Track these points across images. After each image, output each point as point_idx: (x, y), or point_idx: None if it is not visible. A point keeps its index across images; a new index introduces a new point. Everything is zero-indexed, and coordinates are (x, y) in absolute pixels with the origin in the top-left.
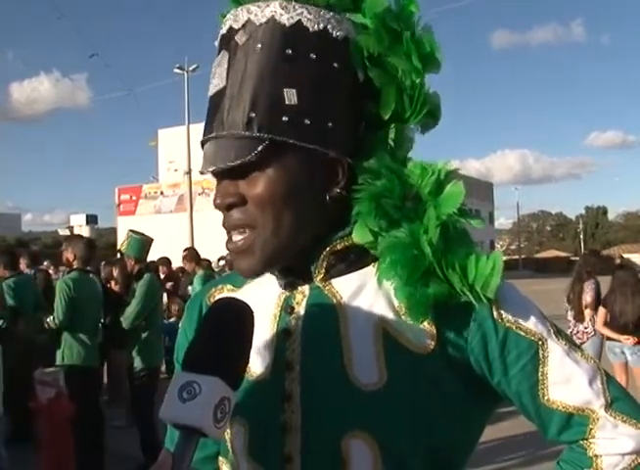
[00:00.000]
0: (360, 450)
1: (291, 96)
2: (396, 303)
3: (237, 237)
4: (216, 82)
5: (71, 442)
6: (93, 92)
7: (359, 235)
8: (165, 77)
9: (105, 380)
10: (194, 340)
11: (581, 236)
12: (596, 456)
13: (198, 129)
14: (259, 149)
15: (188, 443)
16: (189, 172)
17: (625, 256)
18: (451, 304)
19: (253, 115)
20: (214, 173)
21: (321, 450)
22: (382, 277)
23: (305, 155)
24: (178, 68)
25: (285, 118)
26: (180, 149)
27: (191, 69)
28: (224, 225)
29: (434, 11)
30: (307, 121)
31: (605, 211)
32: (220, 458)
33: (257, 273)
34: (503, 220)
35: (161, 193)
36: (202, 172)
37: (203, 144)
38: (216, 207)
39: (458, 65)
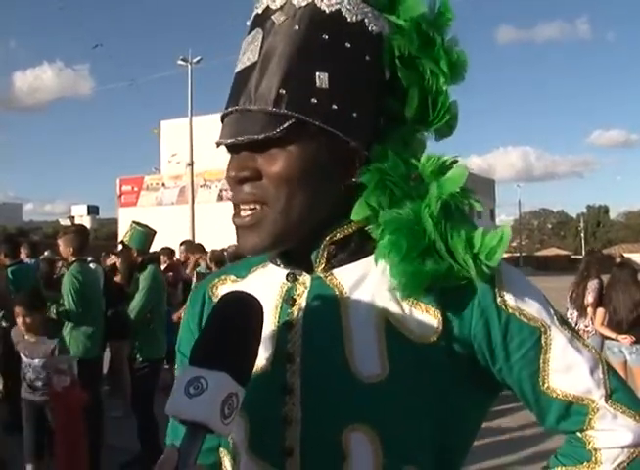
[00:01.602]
0: (361, 443)
1: (322, 80)
2: (399, 293)
3: (245, 212)
4: (247, 57)
5: (84, 430)
6: (96, 82)
7: (358, 212)
8: (169, 69)
9: (105, 371)
10: (201, 334)
11: (582, 234)
12: (595, 450)
13: (200, 121)
14: (285, 126)
15: (194, 438)
16: (191, 164)
17: (626, 255)
18: (453, 289)
19: (283, 92)
20: (232, 146)
21: (321, 443)
22: (379, 255)
23: (328, 140)
24: (182, 59)
25: (314, 100)
26: (182, 141)
27: (195, 60)
28: (232, 198)
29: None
30: (335, 107)
31: (606, 210)
32: (222, 450)
33: (261, 251)
34: (504, 217)
35: (163, 185)
36: (219, 143)
37: (224, 116)
38: (229, 179)
39: None
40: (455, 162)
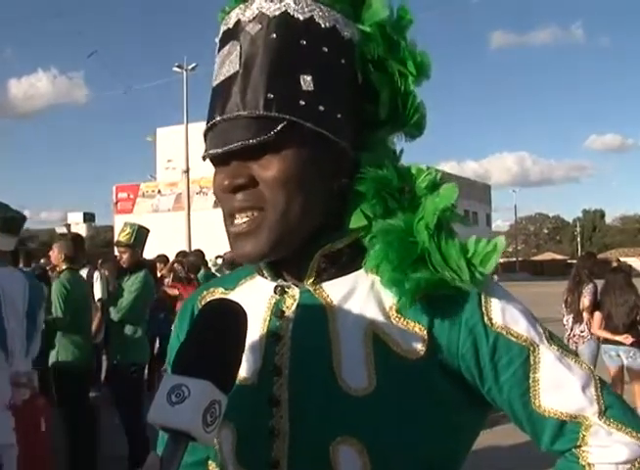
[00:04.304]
0: (349, 456)
1: (307, 82)
2: (387, 306)
3: (242, 219)
4: (227, 69)
5: (48, 442)
6: (91, 90)
7: (355, 220)
8: (164, 76)
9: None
10: (184, 342)
11: (579, 239)
12: (589, 465)
13: (196, 128)
14: (279, 128)
15: (176, 446)
16: (187, 171)
17: (622, 259)
18: (440, 306)
19: (272, 96)
20: (222, 157)
21: (309, 456)
22: (370, 263)
23: (318, 141)
24: (177, 66)
25: (302, 102)
26: (178, 148)
27: (190, 67)
28: (226, 208)
29: (433, 12)
30: (322, 108)
31: (602, 215)
32: (210, 462)
33: (260, 257)
34: (500, 222)
35: (159, 192)
36: (208, 156)
37: (207, 131)
38: (223, 188)
39: (457, 65)
40: (442, 176)
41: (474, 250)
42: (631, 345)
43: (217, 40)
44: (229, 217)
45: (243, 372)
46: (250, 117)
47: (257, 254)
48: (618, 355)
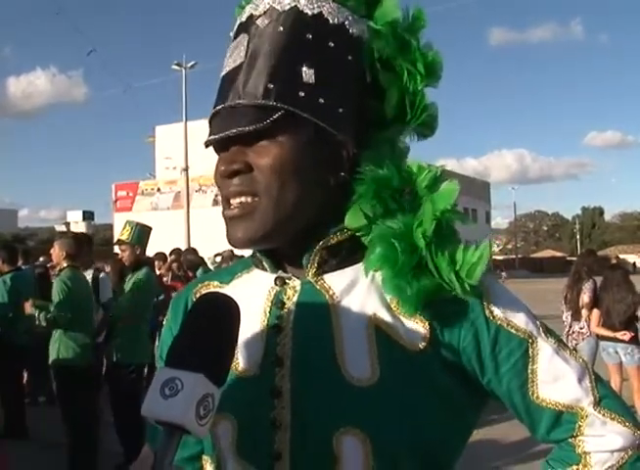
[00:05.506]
0: (352, 447)
1: (309, 75)
2: (388, 298)
3: (235, 204)
4: (233, 60)
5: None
6: (90, 88)
7: (352, 219)
8: (163, 74)
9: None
10: (177, 335)
11: (578, 236)
12: (585, 453)
13: (195, 126)
14: (275, 117)
15: (170, 440)
16: (186, 169)
17: (621, 256)
18: (442, 300)
19: (271, 86)
20: (221, 143)
21: (311, 447)
22: (369, 267)
23: (316, 132)
24: (176, 64)
25: (301, 94)
26: (177, 146)
27: (189, 65)
28: (222, 193)
29: (433, 9)
30: (322, 101)
31: (601, 212)
32: (204, 457)
33: (252, 243)
34: (500, 220)
35: (158, 190)
36: (209, 142)
37: (212, 118)
38: (219, 173)
39: (456, 63)
40: (444, 171)
41: (461, 261)
42: (629, 341)
43: (231, 34)
44: (226, 203)
45: (244, 364)
46: (249, 105)
47: (249, 238)
48: (617, 352)
